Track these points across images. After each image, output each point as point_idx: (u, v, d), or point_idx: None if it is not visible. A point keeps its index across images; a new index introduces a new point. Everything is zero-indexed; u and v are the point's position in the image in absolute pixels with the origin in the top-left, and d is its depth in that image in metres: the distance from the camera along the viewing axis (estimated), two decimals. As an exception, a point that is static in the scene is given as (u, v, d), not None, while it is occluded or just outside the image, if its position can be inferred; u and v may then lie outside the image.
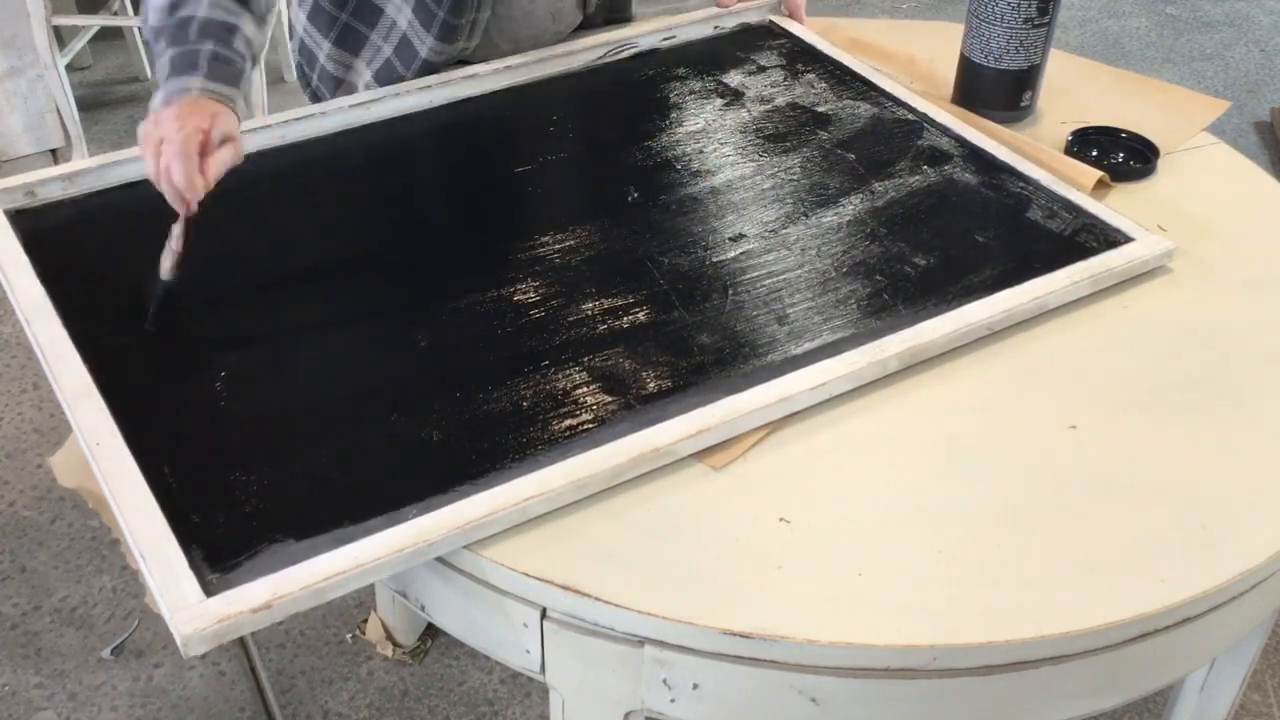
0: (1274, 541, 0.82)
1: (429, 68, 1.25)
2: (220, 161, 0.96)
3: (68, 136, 2.56)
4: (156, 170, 0.94)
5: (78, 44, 2.66)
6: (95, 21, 2.62)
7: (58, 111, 2.53)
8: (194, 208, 0.95)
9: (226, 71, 1.00)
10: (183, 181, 0.93)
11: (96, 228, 1.08)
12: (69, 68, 2.61)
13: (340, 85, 1.31)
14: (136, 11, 2.81)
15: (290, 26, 1.35)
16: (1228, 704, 1.14)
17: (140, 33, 2.88)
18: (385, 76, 1.27)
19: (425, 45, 1.23)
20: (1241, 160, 1.22)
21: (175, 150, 0.92)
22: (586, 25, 1.39)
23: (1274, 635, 1.60)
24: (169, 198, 0.95)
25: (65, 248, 1.04)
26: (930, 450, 0.88)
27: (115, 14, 2.71)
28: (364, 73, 1.28)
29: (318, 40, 1.29)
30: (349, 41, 1.28)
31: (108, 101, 2.87)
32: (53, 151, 2.58)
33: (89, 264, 1.03)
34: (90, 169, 1.11)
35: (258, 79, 2.51)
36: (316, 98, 1.34)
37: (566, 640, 0.80)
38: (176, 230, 0.96)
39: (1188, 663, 0.89)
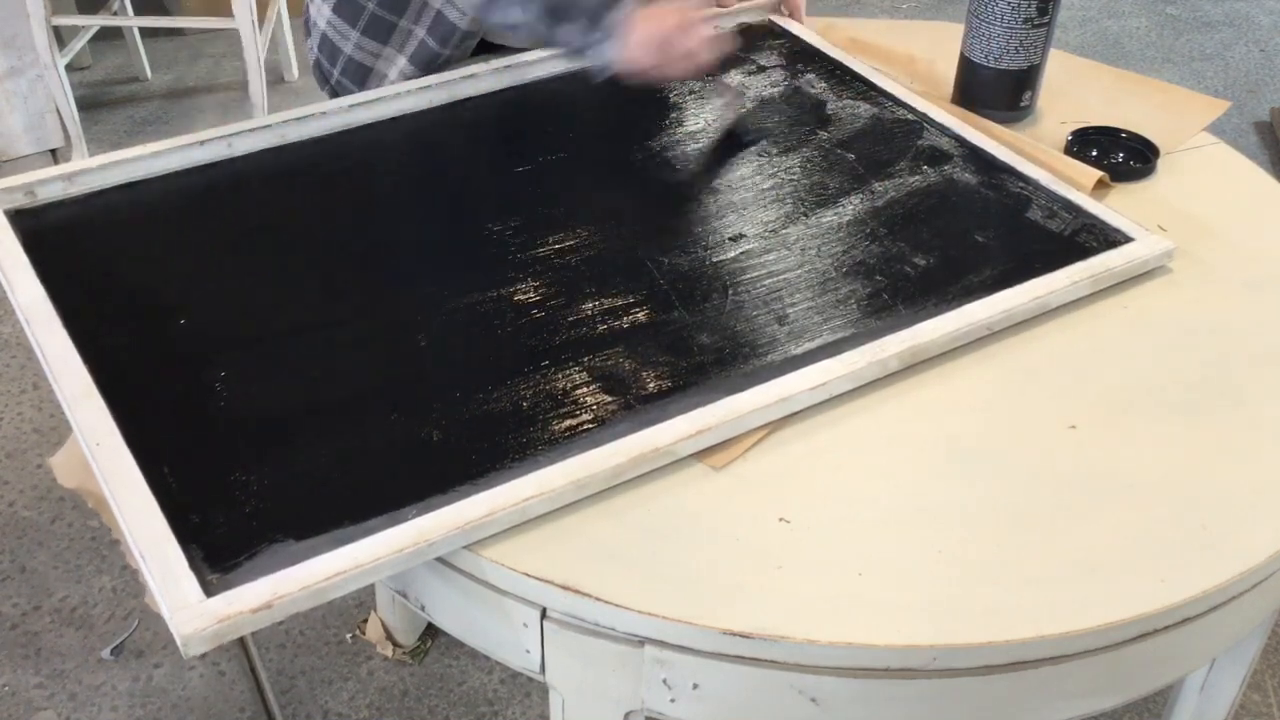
0: (1274, 541, 0.82)
1: (469, 39, 1.27)
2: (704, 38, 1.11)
3: (68, 136, 2.56)
4: (667, 44, 1.10)
5: (78, 44, 2.66)
6: (95, 21, 2.62)
7: (57, 111, 2.53)
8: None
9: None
10: (693, 43, 1.10)
11: (96, 228, 1.08)
12: (69, 68, 2.61)
13: (370, 75, 1.31)
14: (137, 11, 2.81)
15: (309, 23, 1.35)
16: (1228, 704, 1.14)
17: (138, 33, 2.88)
18: (422, 59, 1.29)
19: (465, 18, 1.25)
20: (1241, 160, 1.22)
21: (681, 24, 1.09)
22: None
23: (1274, 635, 1.60)
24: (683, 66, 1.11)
25: (65, 248, 1.04)
26: (930, 450, 0.88)
27: (115, 14, 2.72)
28: (397, 60, 1.29)
29: (344, 32, 1.30)
30: (379, 30, 1.29)
31: (108, 101, 2.87)
32: (53, 151, 2.58)
33: (89, 264, 1.03)
34: (90, 169, 1.11)
35: (257, 80, 2.52)
36: (336, 93, 1.34)
37: (566, 640, 0.80)
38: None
39: (1188, 663, 0.89)
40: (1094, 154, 1.20)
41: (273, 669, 1.58)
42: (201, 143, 1.14)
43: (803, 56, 1.34)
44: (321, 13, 1.32)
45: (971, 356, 0.96)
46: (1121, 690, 0.83)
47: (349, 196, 1.14)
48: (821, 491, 0.84)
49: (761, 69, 1.32)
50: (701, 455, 0.86)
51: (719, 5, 1.40)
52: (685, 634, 0.76)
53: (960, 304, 0.98)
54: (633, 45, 1.10)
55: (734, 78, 1.30)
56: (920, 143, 1.19)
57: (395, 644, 1.60)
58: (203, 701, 1.54)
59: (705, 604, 0.76)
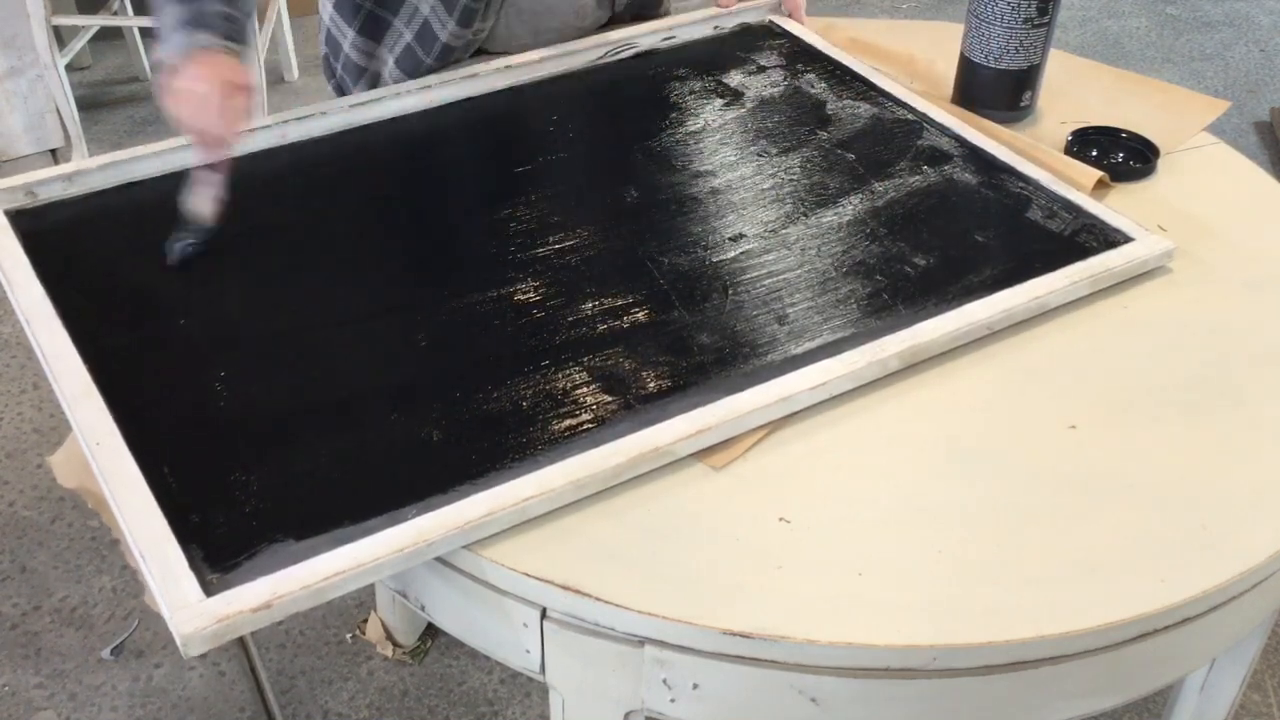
0: (1274, 541, 0.82)
1: (447, 51, 1.27)
2: (242, 111, 1.02)
3: (68, 136, 2.56)
4: (192, 116, 1.00)
5: (78, 44, 2.66)
6: (95, 21, 2.62)
7: (57, 111, 2.53)
8: (230, 151, 1.03)
9: (235, 29, 1.04)
10: (221, 126, 1.00)
11: (96, 228, 1.08)
12: (69, 68, 2.61)
13: (364, 74, 1.32)
14: (136, 11, 2.81)
15: (321, 21, 1.36)
16: (1228, 704, 1.14)
17: (138, 33, 2.89)
18: (406, 63, 1.29)
19: (446, 29, 1.25)
20: (1241, 160, 1.22)
21: (209, 98, 0.99)
22: (614, 22, 1.40)
23: (1274, 635, 1.60)
24: (203, 144, 1.02)
25: (65, 248, 1.04)
26: (930, 450, 0.88)
27: (115, 14, 2.72)
28: (387, 60, 1.29)
29: (343, 30, 1.30)
30: (374, 29, 1.29)
31: (108, 101, 2.87)
32: (53, 151, 2.58)
33: (89, 264, 1.03)
34: (90, 169, 1.11)
35: (257, 79, 2.52)
36: (341, 89, 1.35)
37: (566, 640, 0.80)
38: (214, 176, 1.03)
39: (1188, 663, 0.89)
40: (1094, 154, 1.20)
41: (273, 669, 1.58)
42: (201, 143, 1.14)
43: (803, 56, 1.34)
44: (325, 8, 1.33)
45: (971, 356, 0.96)
46: (1121, 690, 0.83)
47: (349, 196, 1.14)
48: (821, 491, 0.84)
49: (761, 69, 1.32)
50: (701, 455, 0.86)
51: (719, 5, 1.40)
52: (685, 634, 0.76)
53: (960, 304, 0.98)
54: (166, 79, 1.01)
55: (733, 78, 1.30)
56: (920, 143, 1.19)
57: (395, 644, 1.60)
58: (203, 701, 1.54)
59: (705, 604, 0.76)
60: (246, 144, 1.15)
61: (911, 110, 1.24)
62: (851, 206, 1.11)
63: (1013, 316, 0.98)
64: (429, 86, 1.24)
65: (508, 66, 1.28)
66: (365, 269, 1.05)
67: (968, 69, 1.24)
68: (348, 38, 1.30)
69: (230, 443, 0.86)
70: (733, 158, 1.17)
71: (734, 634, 0.75)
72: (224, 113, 1.00)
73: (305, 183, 1.14)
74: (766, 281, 1.01)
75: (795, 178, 1.14)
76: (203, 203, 1.03)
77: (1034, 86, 1.24)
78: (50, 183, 1.10)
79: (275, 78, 2.94)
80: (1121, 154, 1.20)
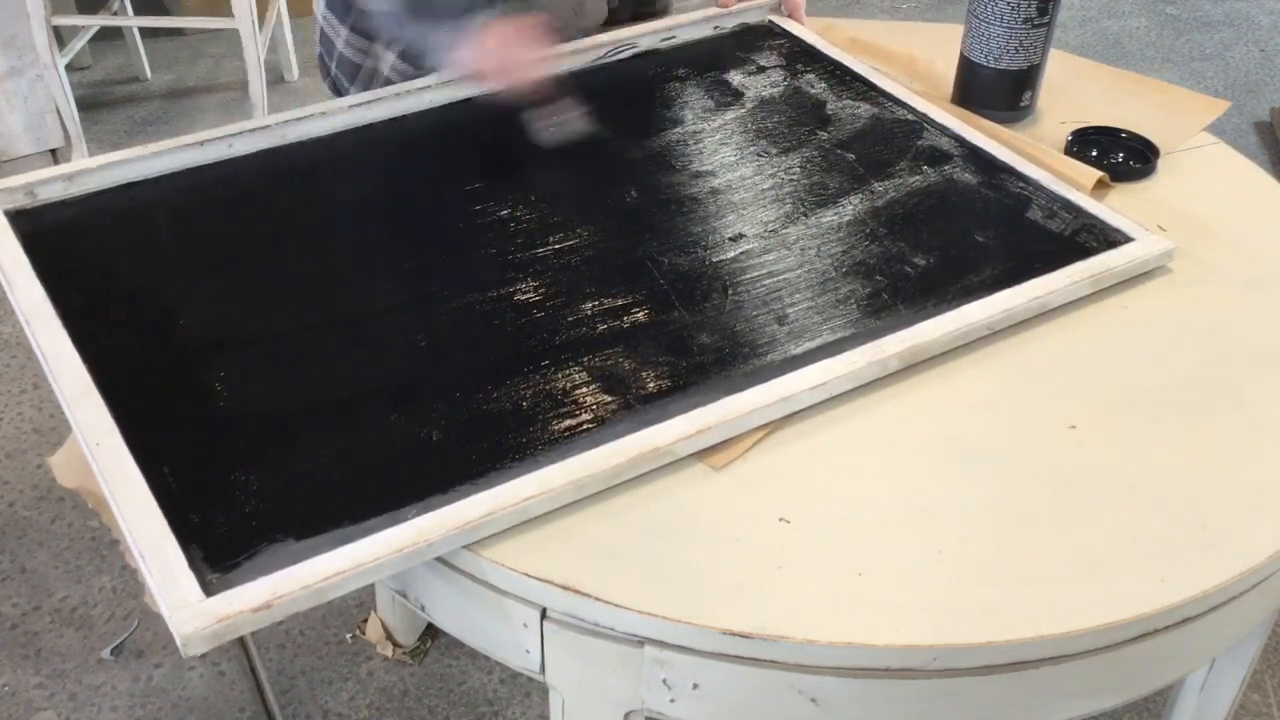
0: (1274, 541, 0.82)
1: None
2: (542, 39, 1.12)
3: (68, 136, 2.56)
4: (502, 66, 1.12)
5: (77, 44, 2.66)
6: (95, 21, 2.62)
7: (57, 111, 2.53)
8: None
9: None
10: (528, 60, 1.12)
11: (96, 228, 1.08)
12: (69, 68, 2.61)
13: (359, 71, 1.31)
14: (137, 11, 2.81)
15: (315, 20, 1.36)
16: (1228, 704, 1.14)
17: (138, 33, 2.88)
18: (413, 55, 1.28)
19: None
20: (1241, 160, 1.22)
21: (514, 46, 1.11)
22: (612, 23, 1.39)
23: (1274, 635, 1.60)
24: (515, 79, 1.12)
25: (65, 248, 1.04)
26: (930, 450, 0.88)
27: (115, 14, 2.72)
28: (386, 56, 1.29)
29: (336, 27, 1.30)
30: (367, 25, 1.29)
31: (108, 101, 2.87)
32: (53, 151, 2.58)
33: (89, 264, 1.03)
34: (90, 169, 1.11)
35: (257, 80, 2.52)
36: (336, 87, 1.35)
37: (566, 640, 0.80)
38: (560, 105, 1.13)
39: (1188, 663, 0.89)
40: (1094, 154, 1.20)
41: (273, 669, 1.58)
42: (201, 143, 1.14)
43: (803, 57, 1.34)
44: (319, 5, 1.33)
45: (971, 356, 0.96)
46: (1121, 690, 0.83)
47: (349, 197, 1.14)
48: (821, 491, 0.84)
49: (761, 69, 1.32)
50: (701, 455, 0.86)
51: (719, 5, 1.40)
52: (685, 634, 0.76)
53: (960, 304, 0.98)
54: (475, 53, 1.12)
55: (733, 78, 1.30)
56: (920, 143, 1.19)
57: (395, 644, 1.60)
58: (203, 701, 1.54)
59: (705, 604, 0.76)
60: (246, 144, 1.15)
61: (911, 110, 1.24)
62: (851, 206, 1.11)
63: (1013, 316, 0.98)
64: (429, 86, 1.24)
65: (508, 66, 1.28)
66: (365, 269, 1.05)
67: (968, 69, 1.24)
68: (341, 35, 1.30)
69: (230, 443, 0.86)
70: (733, 158, 1.17)
71: (734, 634, 0.75)
72: (527, 51, 1.11)
73: (305, 183, 1.14)
74: (766, 281, 1.01)
75: (795, 178, 1.14)
76: (569, 125, 1.14)
77: (1034, 86, 1.24)
78: (50, 183, 1.10)
79: (275, 78, 2.94)
80: (1121, 154, 1.20)
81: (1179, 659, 0.85)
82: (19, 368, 2.07)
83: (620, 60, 1.33)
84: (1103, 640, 0.77)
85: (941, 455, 0.87)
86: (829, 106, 1.25)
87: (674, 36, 1.36)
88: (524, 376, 0.91)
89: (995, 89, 1.23)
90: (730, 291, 1.00)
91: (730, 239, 1.06)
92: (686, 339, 0.95)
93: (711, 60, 1.33)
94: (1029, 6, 1.17)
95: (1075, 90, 1.31)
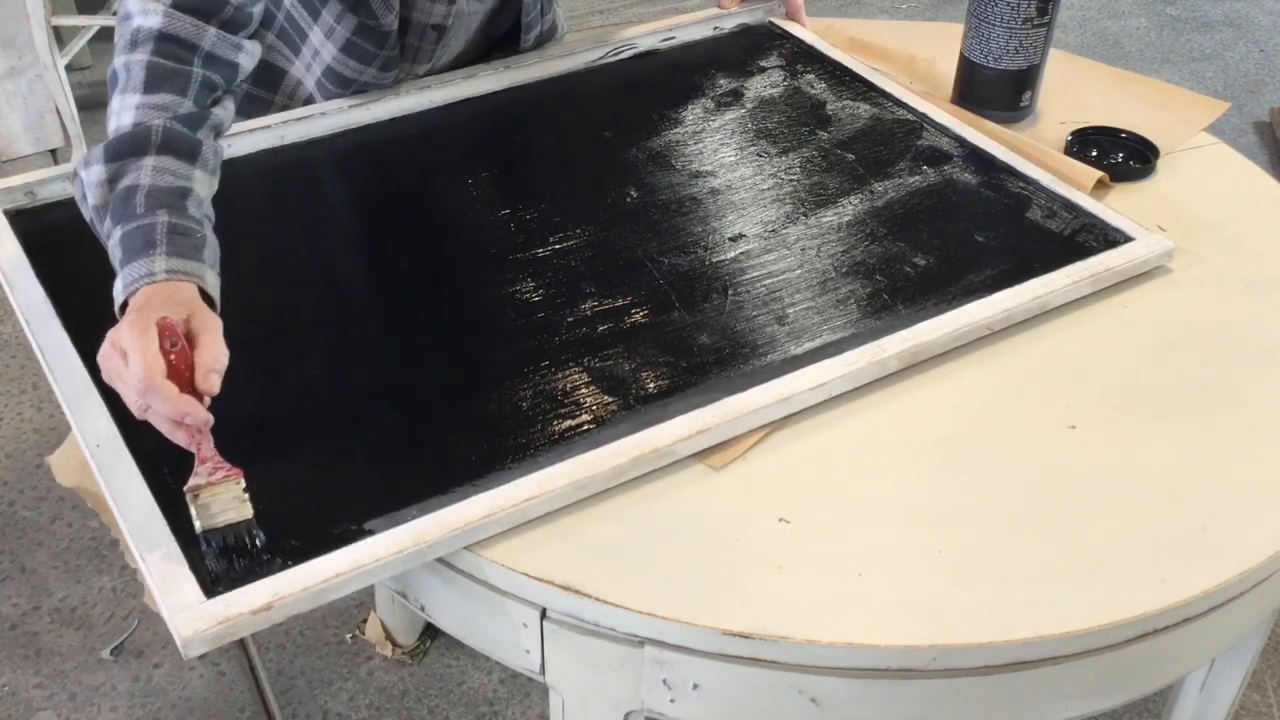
0: (1274, 541, 0.82)
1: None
2: (207, 371, 0.81)
3: (67, 136, 2.56)
4: (138, 407, 0.79)
5: (77, 44, 2.66)
6: (95, 21, 2.62)
7: (57, 111, 2.53)
8: (207, 428, 0.80)
9: (186, 244, 0.86)
10: (170, 407, 0.78)
11: (96, 228, 1.07)
12: (69, 68, 2.61)
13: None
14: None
15: None
16: (1228, 704, 1.14)
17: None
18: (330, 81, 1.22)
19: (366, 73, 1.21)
20: (1241, 160, 1.22)
21: (144, 386, 0.78)
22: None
23: (1274, 635, 1.60)
24: (167, 432, 0.80)
25: (65, 248, 1.04)
26: (930, 450, 0.88)
27: (115, 14, 2.71)
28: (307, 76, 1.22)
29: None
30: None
31: (107, 101, 2.87)
32: (52, 151, 2.58)
33: (89, 264, 1.03)
34: (90, 169, 1.10)
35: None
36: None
37: (566, 640, 0.80)
38: (204, 468, 0.79)
39: (1188, 663, 0.89)
40: (1094, 154, 1.20)
41: (272, 669, 1.58)
42: (201, 143, 1.14)
43: (802, 57, 1.34)
44: None
45: (971, 356, 0.96)
46: (1121, 690, 0.83)
47: (348, 197, 1.14)
48: (821, 491, 0.84)
49: (761, 70, 1.32)
50: (701, 455, 0.86)
51: (719, 7, 1.40)
52: (685, 634, 0.76)
53: (960, 304, 0.98)
54: (106, 350, 0.83)
55: (733, 79, 1.30)
56: (920, 143, 1.19)
57: (395, 644, 1.59)
58: (202, 702, 1.54)
59: (705, 604, 0.76)
60: (246, 144, 1.15)
61: (911, 110, 1.24)
62: (851, 207, 1.11)
63: (1013, 316, 0.98)
64: (429, 87, 1.24)
65: (508, 67, 1.28)
66: (364, 269, 1.05)
67: (968, 69, 1.24)
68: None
69: (230, 443, 0.86)
70: (732, 158, 1.17)
71: (734, 634, 0.75)
72: (168, 396, 0.78)
73: (304, 183, 1.14)
74: (766, 282, 1.01)
75: (795, 178, 1.14)
76: (224, 500, 0.78)
77: (1034, 86, 1.24)
78: (50, 183, 1.10)
79: (275, 78, 2.94)
80: (1121, 154, 1.20)
81: (1179, 659, 0.85)
82: (19, 368, 2.07)
83: (620, 60, 1.33)
84: (1103, 640, 0.77)
85: (941, 455, 0.87)
86: (829, 107, 1.25)
87: (674, 37, 1.36)
88: (524, 377, 0.91)
89: (995, 89, 1.23)
90: (730, 292, 1.00)
91: (730, 239, 1.06)
92: (686, 339, 0.95)
93: (711, 60, 1.33)
94: (1029, 6, 1.17)
95: (1075, 90, 1.31)
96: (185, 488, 0.77)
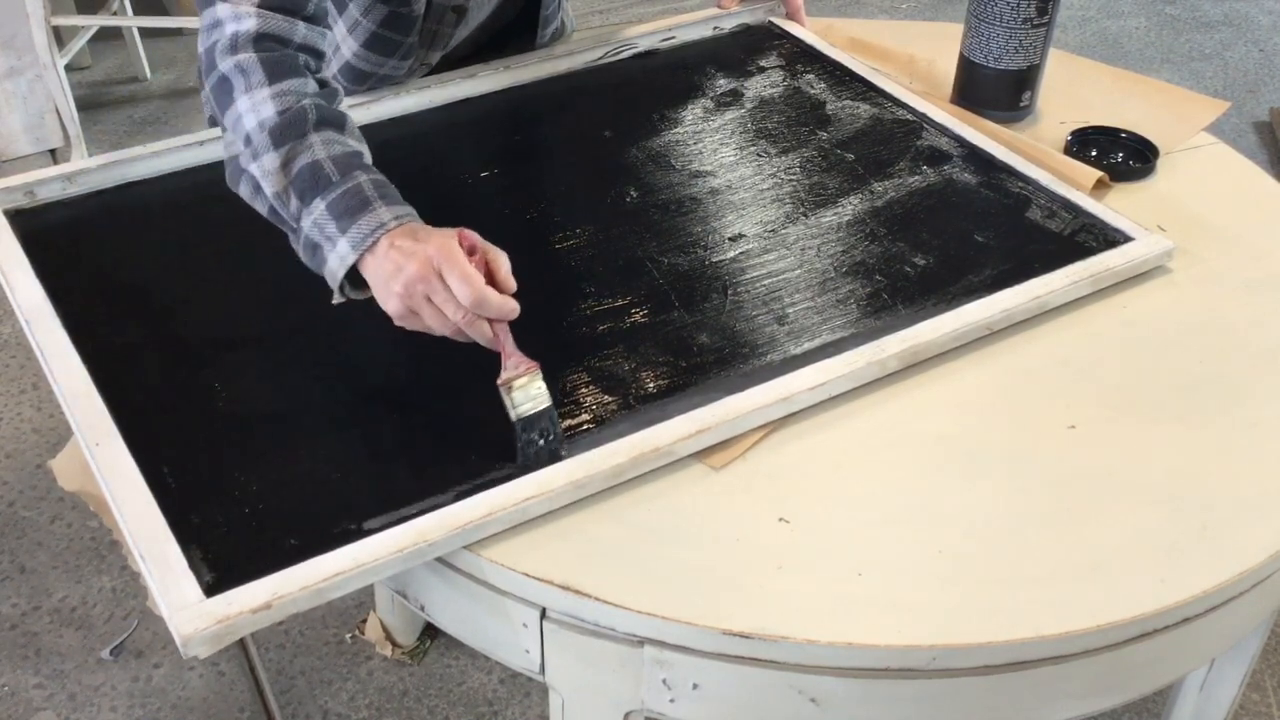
0: (1274, 541, 0.82)
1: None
2: (500, 264, 0.87)
3: (67, 136, 2.56)
4: (465, 320, 0.84)
5: (77, 44, 2.66)
6: (95, 21, 2.62)
7: (57, 111, 2.53)
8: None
9: (392, 193, 0.90)
10: (496, 307, 0.84)
11: (96, 228, 1.08)
12: (68, 68, 2.61)
13: None
14: (136, 11, 2.81)
15: None
16: (1228, 704, 1.14)
17: (138, 33, 2.88)
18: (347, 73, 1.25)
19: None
20: (1241, 160, 1.22)
21: (477, 297, 0.83)
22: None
23: (1274, 635, 1.60)
24: (482, 337, 0.85)
25: (65, 248, 1.04)
26: (930, 450, 0.88)
27: (115, 14, 2.71)
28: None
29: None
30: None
31: (107, 101, 2.87)
32: (52, 151, 2.58)
33: (89, 264, 1.03)
34: (90, 169, 1.11)
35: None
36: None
37: (566, 640, 0.80)
38: (510, 363, 0.85)
39: (1188, 663, 0.89)
40: (1094, 154, 1.20)
41: (272, 669, 1.58)
42: (201, 143, 1.14)
43: (802, 57, 1.34)
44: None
45: (971, 356, 0.96)
46: (1121, 690, 0.83)
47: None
48: (821, 491, 0.84)
49: (761, 70, 1.32)
50: (701, 455, 0.86)
51: (719, 6, 1.40)
52: (685, 634, 0.76)
53: (960, 304, 0.98)
54: (377, 286, 0.87)
55: (732, 79, 1.30)
56: (920, 143, 1.19)
57: (395, 644, 1.59)
58: (202, 701, 1.54)
59: (705, 604, 0.76)
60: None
61: (911, 110, 1.24)
62: (851, 206, 1.11)
63: (1012, 316, 0.98)
64: (428, 86, 1.24)
65: (507, 67, 1.28)
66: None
67: (968, 69, 1.24)
68: None
69: (230, 443, 0.86)
70: (732, 158, 1.17)
71: (734, 634, 0.75)
72: (480, 289, 0.83)
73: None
74: (766, 281, 1.01)
75: (795, 178, 1.14)
76: (531, 391, 0.84)
77: (1034, 86, 1.24)
78: (50, 183, 1.10)
79: (275, 78, 2.93)
80: (1121, 154, 1.20)
81: (1179, 659, 0.85)
82: (19, 368, 2.07)
83: (620, 60, 1.33)
84: (1103, 640, 0.77)
85: (941, 455, 0.87)
86: (829, 107, 1.25)
87: (674, 37, 1.36)
88: (524, 376, 0.91)
89: (995, 89, 1.23)
90: (730, 291, 1.00)
91: (730, 239, 1.06)
92: (686, 339, 0.95)
93: (711, 60, 1.33)
94: (1029, 6, 1.17)
95: (1075, 90, 1.31)
96: (499, 381, 0.84)
